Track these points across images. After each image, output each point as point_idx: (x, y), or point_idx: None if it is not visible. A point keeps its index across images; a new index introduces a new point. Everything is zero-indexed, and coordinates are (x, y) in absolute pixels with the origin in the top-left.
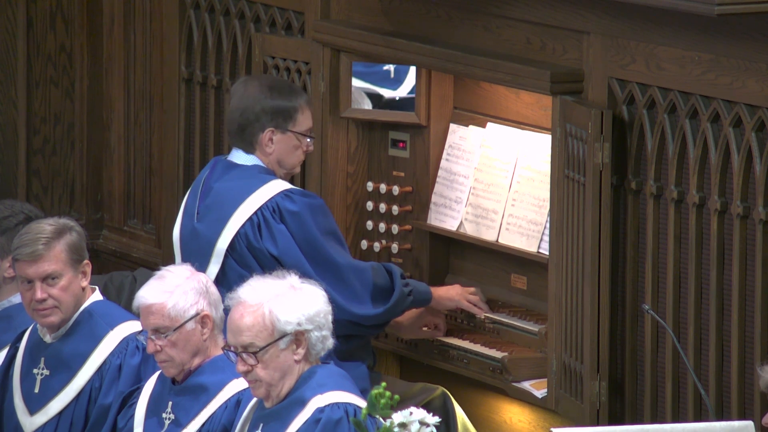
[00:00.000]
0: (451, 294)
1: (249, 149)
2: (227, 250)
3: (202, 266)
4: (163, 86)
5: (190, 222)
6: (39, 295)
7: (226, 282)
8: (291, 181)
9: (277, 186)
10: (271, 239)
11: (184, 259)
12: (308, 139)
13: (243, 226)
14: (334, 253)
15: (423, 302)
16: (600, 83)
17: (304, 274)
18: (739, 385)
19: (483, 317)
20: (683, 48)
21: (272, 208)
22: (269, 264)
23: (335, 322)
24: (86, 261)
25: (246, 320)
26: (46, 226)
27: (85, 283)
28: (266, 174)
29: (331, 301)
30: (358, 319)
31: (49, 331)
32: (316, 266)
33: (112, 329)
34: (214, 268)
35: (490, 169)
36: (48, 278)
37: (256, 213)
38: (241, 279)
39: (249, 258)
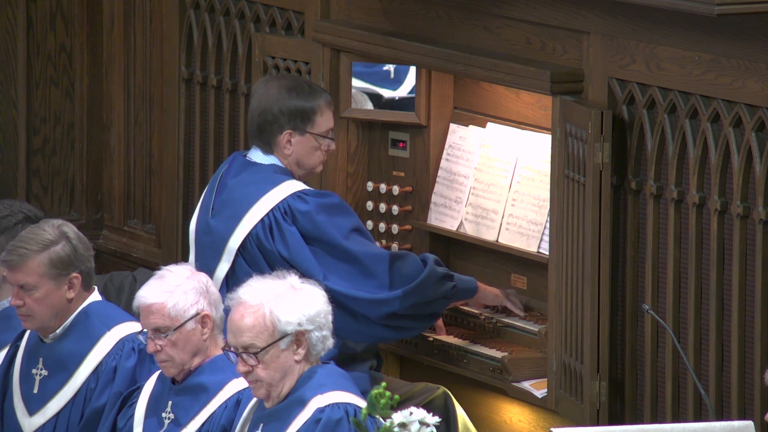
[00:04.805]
0: (496, 290)
1: (267, 150)
2: (238, 250)
3: (213, 262)
4: (163, 86)
5: (205, 216)
6: (14, 300)
7: (235, 280)
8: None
9: (290, 187)
10: (282, 241)
11: (198, 252)
12: (328, 140)
13: (255, 227)
14: (354, 247)
15: (468, 292)
16: (600, 83)
17: (314, 278)
18: (739, 385)
19: (522, 316)
20: (683, 48)
21: (284, 210)
22: (281, 265)
23: (374, 323)
24: (75, 274)
25: (246, 321)
26: (41, 232)
27: (72, 294)
28: (282, 174)
29: (358, 300)
30: (389, 305)
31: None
32: (332, 267)
33: (108, 330)
34: (224, 266)
35: (490, 169)
36: (23, 288)
37: (267, 215)
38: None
39: (260, 259)
